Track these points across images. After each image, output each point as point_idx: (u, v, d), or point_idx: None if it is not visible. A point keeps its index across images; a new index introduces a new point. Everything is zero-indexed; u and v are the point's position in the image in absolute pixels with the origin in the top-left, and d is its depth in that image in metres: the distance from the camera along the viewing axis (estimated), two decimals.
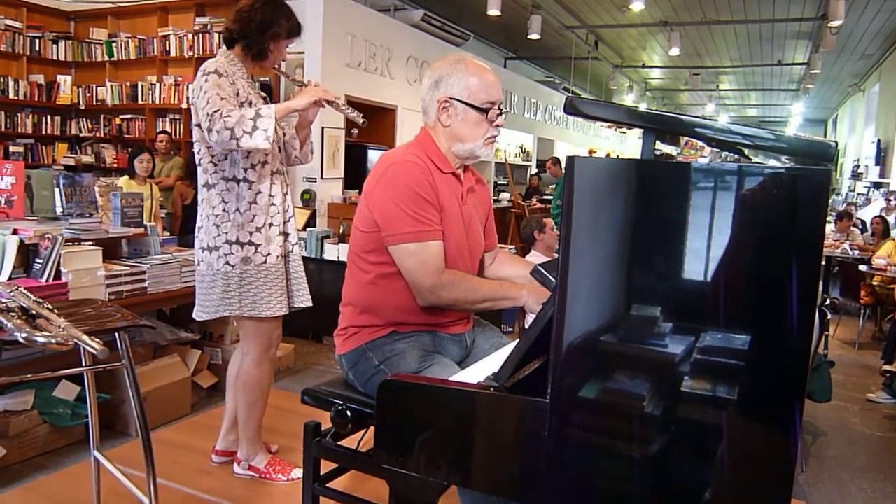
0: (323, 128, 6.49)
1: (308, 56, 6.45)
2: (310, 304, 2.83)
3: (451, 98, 1.96)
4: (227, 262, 2.60)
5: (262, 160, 2.63)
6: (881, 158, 10.68)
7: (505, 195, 9.42)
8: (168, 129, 7.19)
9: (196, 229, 2.69)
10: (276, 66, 2.80)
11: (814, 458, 3.58)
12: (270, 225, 2.65)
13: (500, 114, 2.00)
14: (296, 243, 2.78)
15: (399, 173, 1.90)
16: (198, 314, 2.73)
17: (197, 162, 2.66)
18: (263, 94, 2.78)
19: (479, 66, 1.99)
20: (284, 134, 2.81)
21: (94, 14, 7.74)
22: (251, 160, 2.60)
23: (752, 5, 8.93)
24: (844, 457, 3.62)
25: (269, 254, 2.64)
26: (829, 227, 7.84)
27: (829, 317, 4.24)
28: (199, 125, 2.49)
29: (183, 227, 5.93)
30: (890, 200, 8.58)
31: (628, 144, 18.94)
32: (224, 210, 2.61)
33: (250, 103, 2.61)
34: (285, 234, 2.73)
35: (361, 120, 2.68)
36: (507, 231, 8.83)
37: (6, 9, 7.19)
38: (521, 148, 13.75)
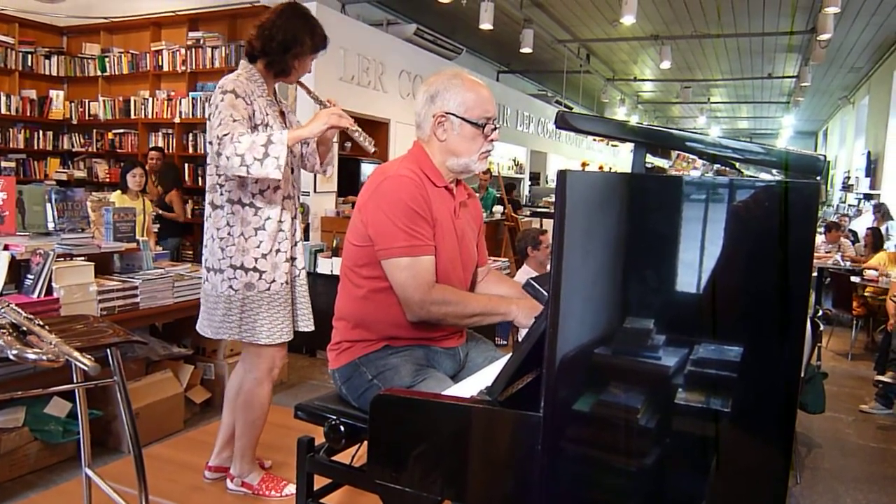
0: None
1: None
2: (311, 328, 2.78)
3: (447, 113, 1.97)
4: (231, 287, 2.57)
5: (275, 185, 2.58)
6: (871, 170, 10.75)
7: (498, 208, 9.43)
8: (161, 143, 7.19)
9: (203, 245, 2.67)
10: (300, 81, 2.73)
11: (808, 469, 3.57)
12: (277, 251, 2.60)
13: (495, 129, 2.02)
14: (303, 267, 2.75)
15: (393, 188, 1.90)
16: (201, 328, 2.70)
17: (209, 183, 2.60)
18: (283, 110, 2.72)
19: (474, 82, 2.00)
20: (305, 146, 2.77)
21: (87, 29, 7.75)
22: (261, 185, 2.55)
23: (742, 19, 9.00)
24: (839, 468, 3.62)
25: (273, 280, 2.59)
26: (820, 239, 7.88)
27: (822, 328, 4.25)
28: (211, 143, 2.44)
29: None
30: (878, 213, 8.61)
31: (621, 157, 19.02)
32: (229, 234, 2.56)
33: (266, 125, 2.55)
34: (293, 259, 2.69)
35: (373, 149, 2.58)
36: (500, 244, 8.84)
37: None
38: (514, 161, 13.80)
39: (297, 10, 2.62)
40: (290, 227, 2.66)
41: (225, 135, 2.35)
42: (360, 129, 2.55)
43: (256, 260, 2.56)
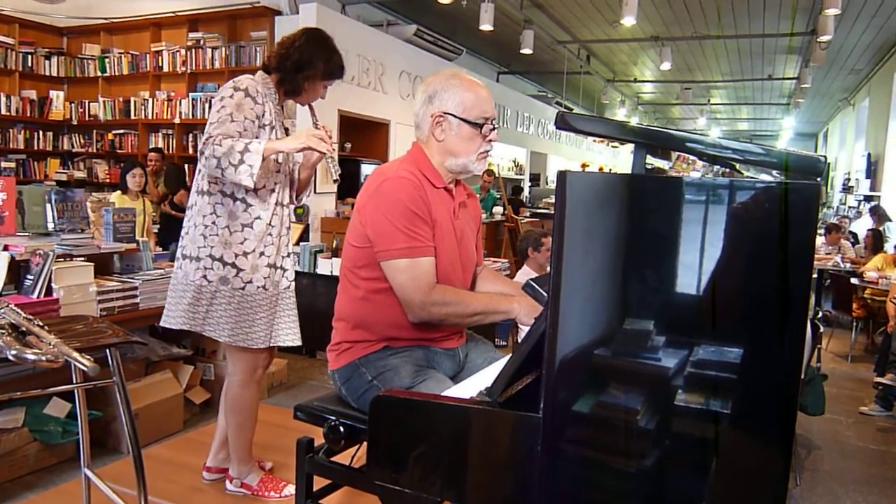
0: None
1: None
2: (297, 343, 2.72)
3: (445, 113, 1.97)
4: (205, 277, 2.53)
5: (271, 188, 2.59)
6: (871, 172, 10.75)
7: (498, 209, 9.43)
8: (161, 144, 7.19)
9: (181, 235, 2.64)
10: (310, 105, 2.73)
11: (808, 471, 3.57)
12: (261, 254, 2.57)
13: (494, 129, 2.01)
14: (292, 280, 2.71)
15: (392, 189, 1.90)
16: (164, 320, 2.66)
17: (198, 169, 2.58)
18: (286, 127, 2.73)
19: (472, 82, 2.00)
20: (296, 164, 2.77)
21: (87, 30, 7.76)
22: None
23: (742, 20, 9.01)
24: (838, 470, 3.62)
25: (250, 282, 2.56)
26: (820, 241, 7.88)
27: (822, 330, 4.25)
28: None
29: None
30: (875, 215, 8.61)
31: (621, 158, 19.03)
32: (214, 223, 2.54)
33: (273, 128, 2.58)
34: (282, 269, 2.66)
35: (335, 178, 2.60)
36: (500, 245, 8.83)
37: None
38: (514, 162, 13.80)
39: (319, 35, 2.66)
40: (278, 232, 2.64)
41: (209, 137, 2.37)
42: (334, 158, 2.57)
43: (237, 256, 2.54)
